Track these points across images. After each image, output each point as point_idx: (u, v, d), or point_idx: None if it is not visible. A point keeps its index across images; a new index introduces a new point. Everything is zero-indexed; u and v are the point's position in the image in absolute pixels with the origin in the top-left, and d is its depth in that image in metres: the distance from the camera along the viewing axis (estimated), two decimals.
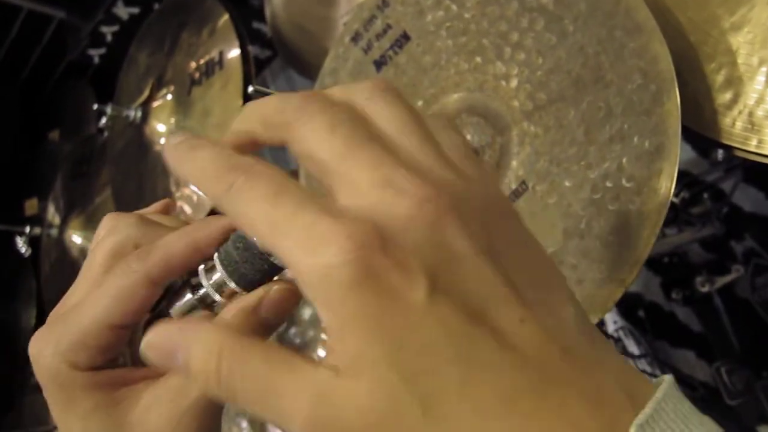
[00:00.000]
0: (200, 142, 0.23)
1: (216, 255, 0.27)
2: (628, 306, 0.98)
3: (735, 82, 0.45)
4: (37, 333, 0.27)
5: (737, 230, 0.91)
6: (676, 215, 0.83)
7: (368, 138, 0.21)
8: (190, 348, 0.22)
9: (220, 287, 0.27)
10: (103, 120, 0.96)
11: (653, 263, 0.95)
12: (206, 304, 0.28)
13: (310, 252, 0.19)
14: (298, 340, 0.83)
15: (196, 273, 0.28)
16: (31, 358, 0.27)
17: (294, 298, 0.26)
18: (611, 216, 0.43)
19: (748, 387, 0.77)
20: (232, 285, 0.27)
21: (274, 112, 0.23)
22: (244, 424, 0.94)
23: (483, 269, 0.20)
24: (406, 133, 0.22)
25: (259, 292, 0.26)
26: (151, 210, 0.33)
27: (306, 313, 0.83)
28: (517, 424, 0.18)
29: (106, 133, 1.11)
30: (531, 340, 0.19)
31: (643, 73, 0.43)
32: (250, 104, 0.25)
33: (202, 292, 0.28)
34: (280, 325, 0.27)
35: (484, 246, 0.20)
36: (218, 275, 0.27)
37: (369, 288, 0.18)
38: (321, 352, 0.79)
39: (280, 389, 0.20)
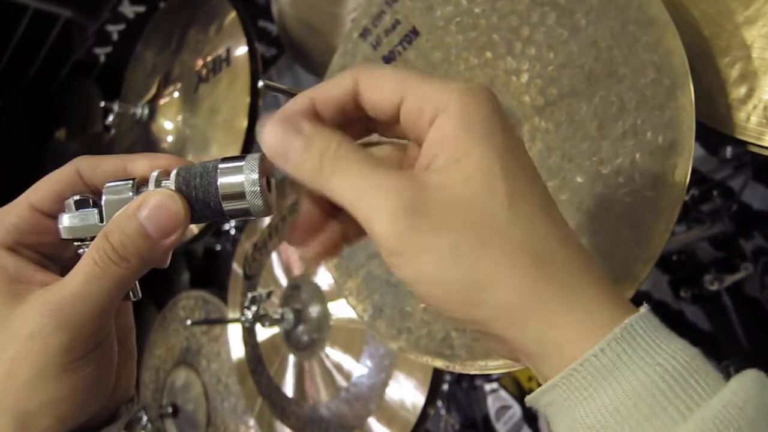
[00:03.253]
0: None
1: (176, 170, 0.28)
2: (635, 304, 0.97)
3: (749, 77, 0.44)
4: None
5: (747, 228, 0.90)
6: (685, 213, 0.83)
7: None
8: (297, 150, 0.25)
9: None
10: (110, 117, 0.96)
11: (662, 261, 0.95)
12: None
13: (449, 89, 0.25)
14: (305, 338, 0.83)
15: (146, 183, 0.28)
16: None
17: (177, 210, 0.26)
18: (624, 212, 0.43)
19: None
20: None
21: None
22: (252, 422, 0.94)
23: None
24: None
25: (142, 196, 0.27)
26: None
27: (314, 311, 0.83)
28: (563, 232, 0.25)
29: (113, 131, 1.11)
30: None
31: (657, 68, 0.42)
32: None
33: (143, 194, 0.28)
34: (168, 247, 0.27)
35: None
36: (168, 182, 0.27)
37: (497, 111, 0.25)
38: (328, 350, 0.79)
39: (373, 185, 0.24)
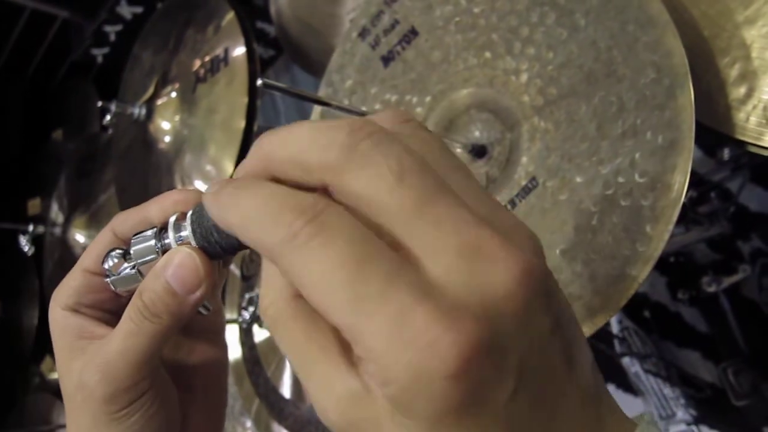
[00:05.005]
0: (247, 182, 0.21)
1: (189, 214, 0.28)
2: (633, 306, 0.97)
3: (749, 77, 0.44)
4: None
5: (744, 230, 0.90)
6: (683, 214, 0.83)
7: (441, 190, 0.19)
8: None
9: (183, 244, 0.28)
10: (108, 117, 0.96)
11: (659, 263, 0.95)
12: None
13: (403, 346, 0.17)
14: None
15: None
16: None
17: (195, 268, 0.27)
18: (624, 212, 0.43)
19: (754, 388, 0.76)
20: (193, 244, 0.27)
21: (314, 150, 0.19)
22: (249, 423, 0.94)
23: (556, 354, 0.19)
24: (469, 185, 0.20)
25: (167, 256, 0.27)
26: None
27: None
28: None
29: (110, 131, 1.11)
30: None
31: (657, 68, 0.42)
32: (270, 135, 0.21)
33: (166, 242, 0.28)
34: (194, 302, 0.28)
35: (556, 321, 0.19)
36: (185, 232, 0.28)
37: (461, 406, 0.17)
38: None
39: (313, 375, 0.20)
